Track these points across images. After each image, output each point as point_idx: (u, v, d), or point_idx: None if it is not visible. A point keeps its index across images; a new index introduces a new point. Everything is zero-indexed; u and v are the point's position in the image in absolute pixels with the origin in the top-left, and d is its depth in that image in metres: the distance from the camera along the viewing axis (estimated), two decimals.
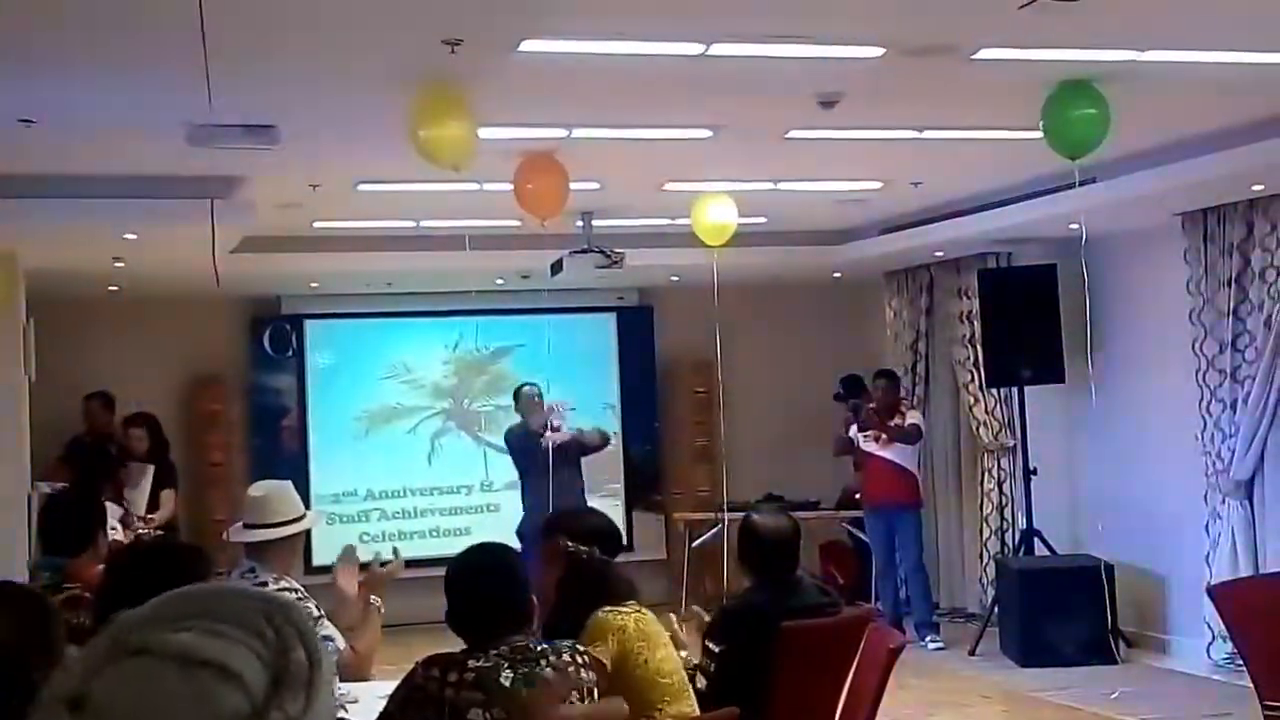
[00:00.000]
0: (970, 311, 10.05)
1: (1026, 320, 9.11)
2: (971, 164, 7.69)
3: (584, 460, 9.56)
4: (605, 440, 9.61)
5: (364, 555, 4.85)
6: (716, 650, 4.46)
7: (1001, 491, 10.06)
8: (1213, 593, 6.21)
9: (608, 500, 10.70)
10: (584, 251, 8.62)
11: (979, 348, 9.82)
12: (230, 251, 7.95)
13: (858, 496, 10.18)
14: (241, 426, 11.10)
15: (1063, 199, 7.38)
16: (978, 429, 10.18)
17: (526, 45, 4.74)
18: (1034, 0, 4.41)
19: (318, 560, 9.52)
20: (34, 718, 0.94)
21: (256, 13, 4.29)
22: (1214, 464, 8.09)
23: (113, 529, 5.55)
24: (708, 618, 4.74)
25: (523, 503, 9.28)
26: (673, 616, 4.78)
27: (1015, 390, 9.67)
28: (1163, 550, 8.74)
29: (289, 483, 4.75)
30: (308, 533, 4.76)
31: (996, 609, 9.16)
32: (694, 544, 10.83)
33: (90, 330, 10.33)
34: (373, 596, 4.50)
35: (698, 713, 4.03)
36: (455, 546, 4.13)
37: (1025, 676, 8.37)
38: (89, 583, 4.07)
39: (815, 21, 4.80)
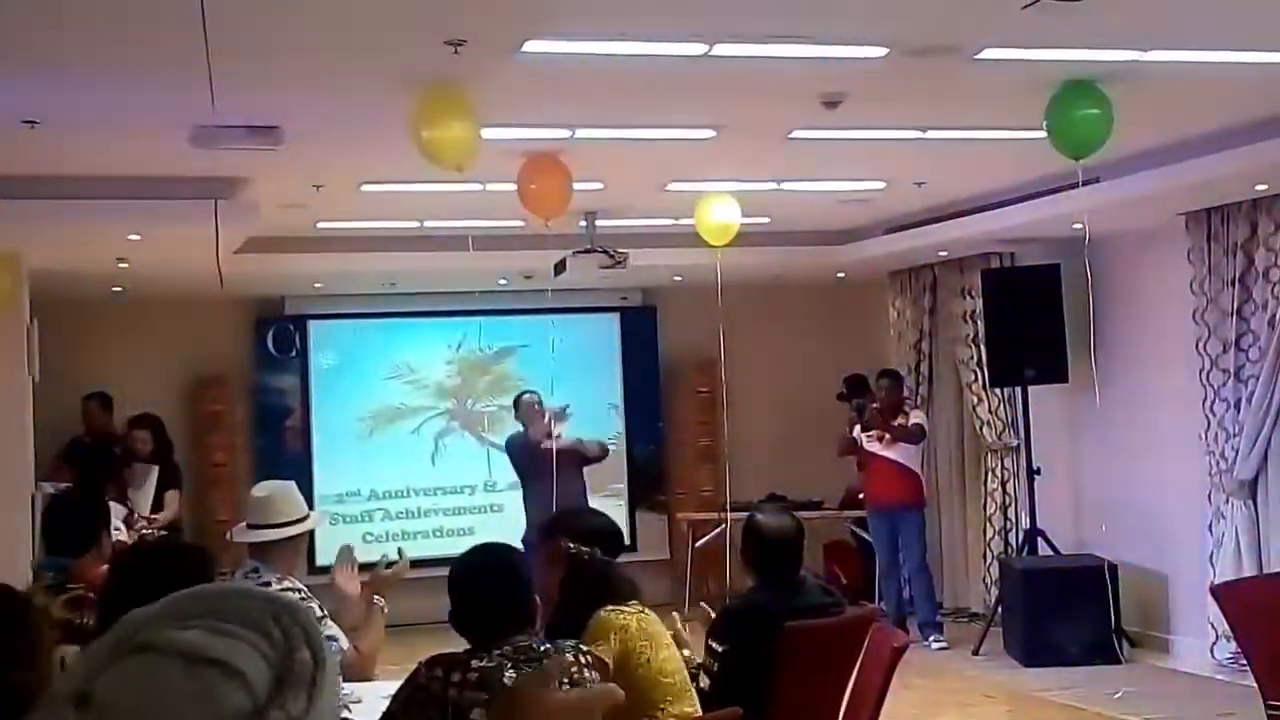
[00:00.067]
0: (974, 311, 10.05)
1: (1030, 320, 9.11)
2: (975, 164, 7.69)
3: None
4: (604, 452, 9.57)
5: (369, 556, 4.86)
6: (720, 650, 4.46)
7: (1005, 491, 10.06)
8: (1216, 592, 6.21)
9: (611, 500, 10.71)
10: (587, 252, 8.62)
11: (982, 347, 9.82)
12: (234, 252, 7.95)
13: (861, 496, 10.17)
14: (245, 427, 11.11)
15: (1066, 199, 7.38)
16: (981, 429, 10.17)
17: (529, 46, 4.74)
18: (1037, 0, 4.41)
19: (321, 560, 9.53)
20: (38, 714, 0.94)
21: (260, 14, 4.29)
22: (1217, 464, 8.09)
23: (116, 529, 5.55)
24: (714, 614, 4.75)
25: (525, 511, 9.22)
26: (676, 615, 4.78)
27: (1019, 390, 9.67)
28: (1166, 550, 8.74)
29: (292, 483, 4.76)
30: (311, 533, 4.76)
31: (1000, 609, 9.16)
32: (697, 544, 10.82)
33: (94, 331, 10.34)
34: (376, 597, 4.50)
35: (700, 713, 4.03)
36: (459, 547, 4.12)
37: (1029, 676, 8.36)
38: (93, 583, 4.07)
39: (818, 21, 4.80)
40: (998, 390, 9.93)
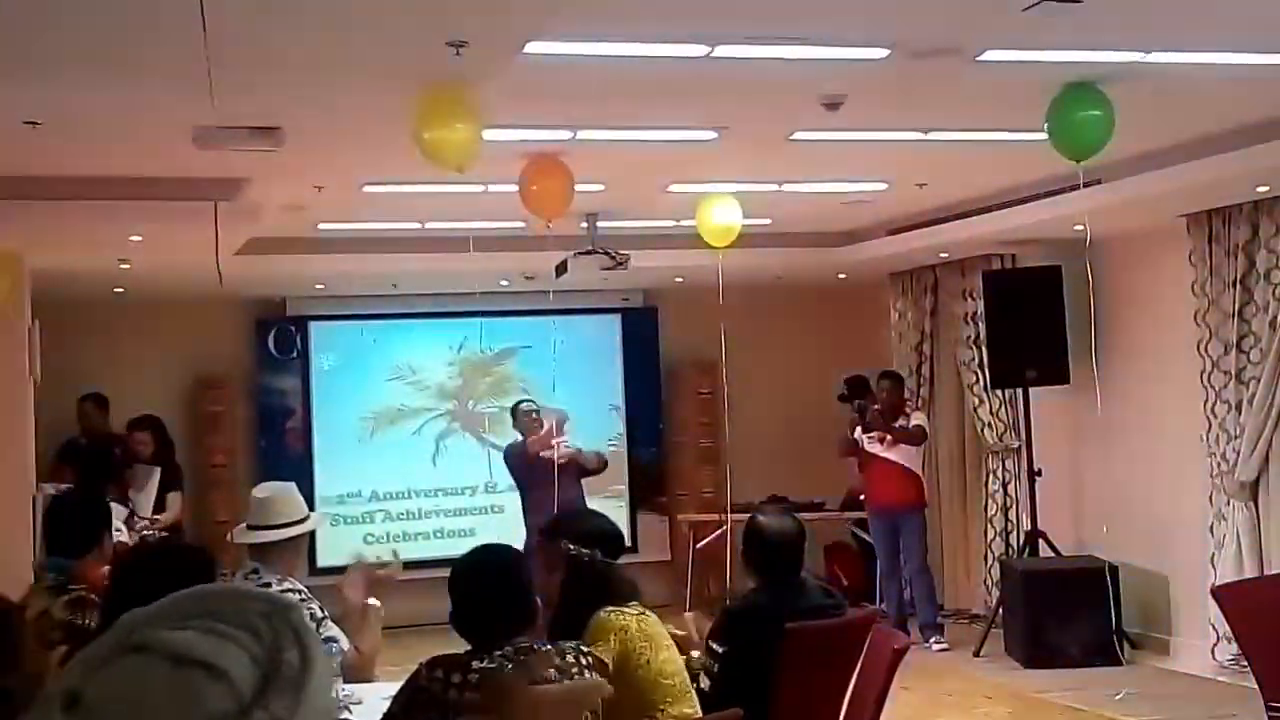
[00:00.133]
0: (975, 313, 10.05)
1: (1031, 321, 9.11)
2: (976, 165, 7.69)
3: None
4: (603, 464, 9.52)
5: (370, 557, 4.85)
6: (720, 651, 4.46)
7: (1006, 493, 10.06)
8: (1217, 594, 6.21)
9: (612, 501, 10.72)
10: (589, 253, 8.62)
11: (984, 349, 9.82)
12: (235, 253, 7.95)
13: (862, 498, 10.17)
14: (246, 428, 11.11)
15: (1067, 200, 7.38)
16: (982, 430, 10.17)
17: (531, 47, 4.74)
18: (1039, 2, 4.41)
19: (322, 562, 9.54)
20: (30, 715, 0.95)
21: (261, 14, 4.29)
22: (1219, 465, 8.09)
23: (117, 530, 5.56)
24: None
25: (524, 521, 9.17)
26: (689, 616, 4.78)
27: (1020, 391, 9.67)
28: (1167, 552, 8.74)
29: (292, 484, 4.77)
30: (312, 534, 4.76)
31: (1001, 610, 9.15)
32: (698, 545, 10.83)
33: (95, 332, 10.34)
34: (372, 599, 4.49)
35: (700, 714, 4.03)
36: (460, 548, 4.12)
37: (1030, 678, 8.36)
38: (95, 584, 4.07)
39: (820, 23, 4.80)
40: (999, 392, 9.93)
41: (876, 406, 9.80)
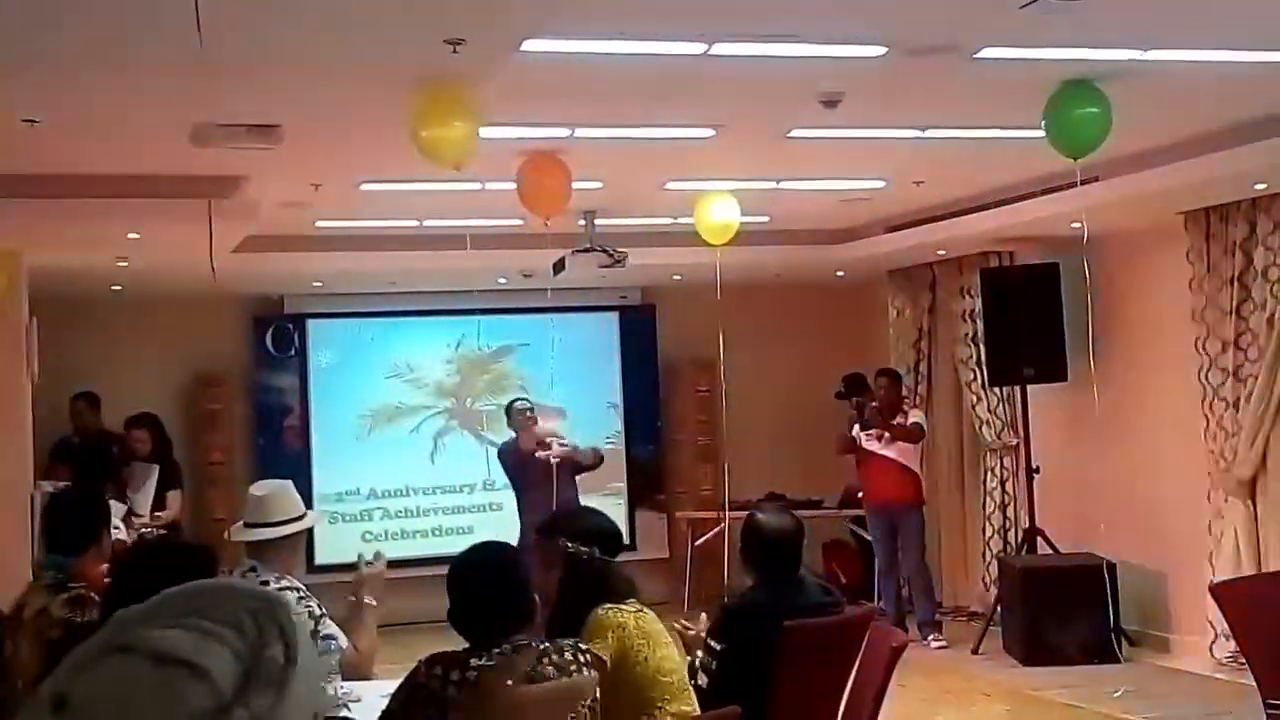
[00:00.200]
0: (973, 310, 10.05)
1: (1029, 319, 9.12)
2: (974, 163, 7.69)
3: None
4: (599, 460, 9.50)
5: (368, 556, 4.84)
6: (718, 648, 4.47)
7: (1004, 490, 10.07)
8: (1215, 591, 6.21)
9: (610, 499, 10.72)
10: (586, 250, 8.62)
11: (981, 346, 9.82)
12: (232, 251, 7.96)
13: (860, 495, 10.18)
14: (244, 426, 11.11)
15: (1065, 198, 7.39)
16: (980, 428, 10.18)
17: (529, 45, 4.74)
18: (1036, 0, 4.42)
19: (320, 559, 9.55)
20: (21, 717, 0.95)
21: (259, 12, 4.29)
22: (1217, 462, 8.09)
23: (115, 528, 5.56)
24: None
25: (520, 520, 9.14)
26: (704, 616, 4.78)
27: (1018, 389, 9.68)
28: (1165, 549, 8.74)
29: (290, 482, 4.76)
30: (310, 532, 4.76)
31: (999, 608, 9.16)
32: (697, 543, 10.84)
33: (93, 330, 10.34)
34: (368, 597, 4.48)
35: (698, 711, 4.04)
36: (458, 545, 4.12)
37: (1028, 675, 8.36)
38: (93, 581, 4.08)
39: (817, 21, 4.80)
40: (997, 389, 9.93)
41: (874, 404, 9.80)
